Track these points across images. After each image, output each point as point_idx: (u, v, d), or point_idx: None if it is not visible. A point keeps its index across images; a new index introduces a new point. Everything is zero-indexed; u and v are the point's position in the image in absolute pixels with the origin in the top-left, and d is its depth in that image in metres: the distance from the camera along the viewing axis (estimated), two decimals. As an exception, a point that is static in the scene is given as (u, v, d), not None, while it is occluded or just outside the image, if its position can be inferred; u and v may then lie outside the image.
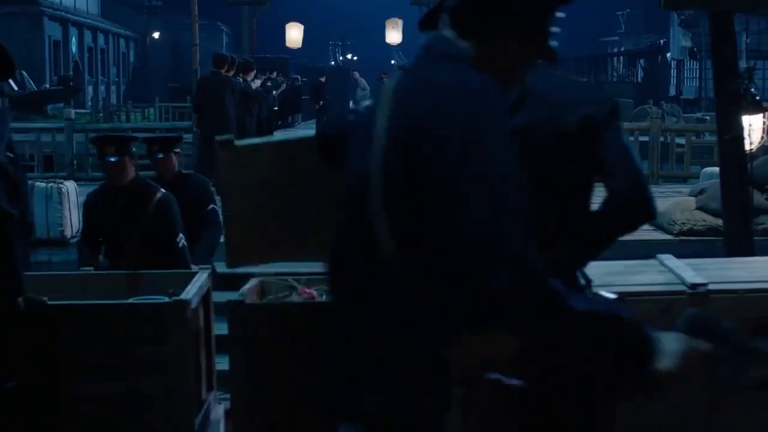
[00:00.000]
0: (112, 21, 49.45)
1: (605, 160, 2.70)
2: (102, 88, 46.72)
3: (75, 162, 14.77)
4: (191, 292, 3.53)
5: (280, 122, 27.68)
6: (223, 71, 13.18)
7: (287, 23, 32.25)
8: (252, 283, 3.77)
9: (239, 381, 3.42)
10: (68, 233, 9.61)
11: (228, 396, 4.16)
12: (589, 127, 2.67)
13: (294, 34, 31.28)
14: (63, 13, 41.37)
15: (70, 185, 9.88)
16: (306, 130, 27.83)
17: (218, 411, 3.96)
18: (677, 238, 9.74)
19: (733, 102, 6.32)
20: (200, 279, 3.76)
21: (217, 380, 4.07)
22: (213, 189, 6.97)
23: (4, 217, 2.92)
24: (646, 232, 9.84)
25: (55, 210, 9.52)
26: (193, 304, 3.49)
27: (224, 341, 3.97)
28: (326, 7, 68.47)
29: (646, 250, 9.48)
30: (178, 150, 6.58)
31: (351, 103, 30.36)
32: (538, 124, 2.62)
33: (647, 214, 2.76)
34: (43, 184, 9.65)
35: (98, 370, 3.37)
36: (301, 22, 32.39)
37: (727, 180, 6.89)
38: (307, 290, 3.78)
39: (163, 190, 5.54)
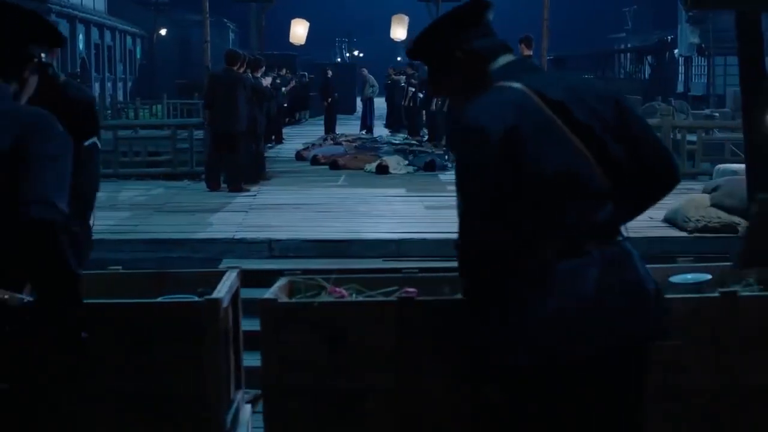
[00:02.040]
0: (118, 18, 49.45)
1: (634, 131, 2.94)
2: (109, 84, 46.75)
3: (86, 159, 14.77)
4: (223, 290, 3.53)
5: (287, 119, 27.71)
6: (235, 68, 13.18)
7: (292, 19, 32.18)
8: (281, 282, 3.77)
9: (271, 381, 3.42)
10: (83, 230, 9.60)
11: (252, 391, 4.19)
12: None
13: (299, 31, 31.18)
14: (70, 10, 41.37)
15: (84, 182, 9.86)
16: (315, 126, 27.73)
17: (246, 410, 3.96)
18: (692, 236, 9.72)
19: (760, 101, 6.31)
20: (230, 277, 3.76)
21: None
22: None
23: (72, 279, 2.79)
24: (660, 230, 9.82)
25: (70, 207, 9.49)
26: (225, 303, 3.49)
27: (248, 337, 3.99)
28: (333, 3, 68.48)
29: (661, 248, 9.54)
30: None
31: (359, 100, 30.40)
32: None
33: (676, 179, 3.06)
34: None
35: (130, 369, 3.36)
36: (307, 19, 32.29)
37: (754, 180, 6.87)
38: (337, 289, 3.77)
39: None
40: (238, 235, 9.83)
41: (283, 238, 9.67)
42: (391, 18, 31.38)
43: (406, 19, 31.00)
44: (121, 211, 11.62)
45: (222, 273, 3.90)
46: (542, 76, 2.93)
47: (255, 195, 13.06)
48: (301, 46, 32.57)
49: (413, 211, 11.65)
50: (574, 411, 2.84)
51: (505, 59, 2.96)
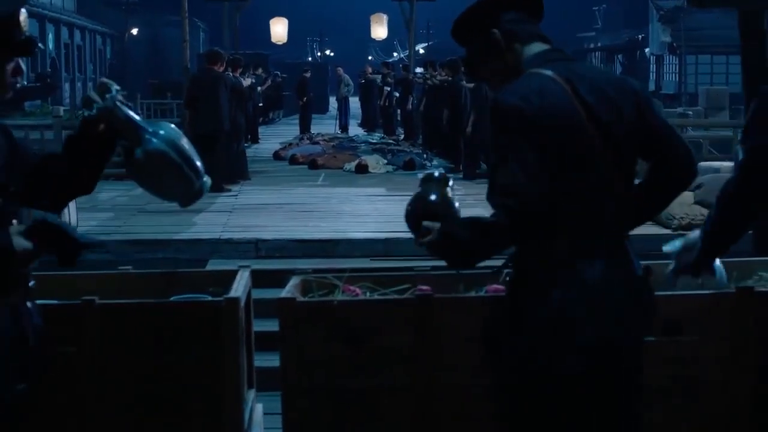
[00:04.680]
0: (88, 17, 49.10)
1: (652, 126, 2.97)
2: (79, 84, 46.40)
3: (64, 159, 14.63)
4: (239, 290, 3.51)
5: (261, 119, 27.62)
6: (216, 67, 13.10)
7: (271, 18, 32.05)
8: (294, 281, 3.76)
9: (290, 380, 3.41)
10: (67, 231, 9.51)
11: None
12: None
13: (279, 30, 31.11)
14: (39, 10, 41.01)
15: (68, 183, 9.76)
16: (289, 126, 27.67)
17: (258, 409, 3.95)
18: (676, 233, 9.78)
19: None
20: (243, 277, 3.75)
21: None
22: None
23: None
24: (644, 227, 9.85)
25: (54, 208, 9.41)
26: (242, 302, 3.48)
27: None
28: (304, 3, 68.31)
29: (645, 245, 9.59)
30: None
31: (335, 99, 30.35)
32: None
33: (694, 173, 3.09)
34: (41, 182, 9.52)
35: (149, 369, 3.35)
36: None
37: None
38: (351, 287, 3.77)
39: None
40: (224, 236, 9.79)
41: (270, 238, 9.65)
42: (371, 18, 31.30)
43: (385, 17, 30.93)
44: (103, 212, 11.55)
45: (231, 273, 3.89)
46: (574, 68, 2.91)
47: (237, 195, 13.01)
48: (281, 44, 32.45)
49: (397, 210, 11.52)
50: (581, 404, 2.86)
51: (538, 47, 2.96)
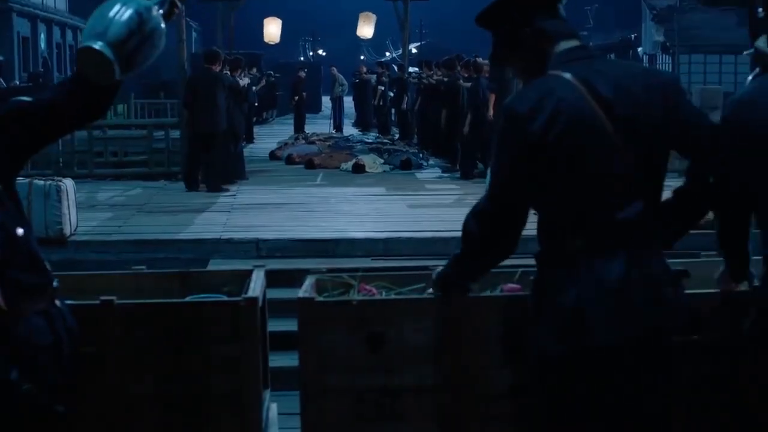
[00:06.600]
0: (80, 17, 48.97)
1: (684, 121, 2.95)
2: (71, 84, 46.27)
3: (61, 160, 14.60)
4: (257, 290, 3.51)
5: (255, 119, 27.58)
6: (213, 67, 13.10)
7: (265, 18, 31.97)
8: (310, 280, 3.75)
9: (310, 380, 3.40)
10: (67, 231, 9.50)
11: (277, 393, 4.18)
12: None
13: (272, 29, 31.01)
14: (32, 9, 40.95)
15: (68, 183, 9.75)
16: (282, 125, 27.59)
17: (273, 409, 3.95)
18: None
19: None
20: (259, 277, 3.74)
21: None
22: None
23: None
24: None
25: (54, 208, 9.37)
26: (260, 302, 3.48)
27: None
28: (297, 3, 68.26)
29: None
30: None
31: (329, 98, 30.30)
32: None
33: None
34: (42, 182, 9.50)
35: (168, 369, 3.35)
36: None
37: None
38: (366, 287, 3.77)
39: None
40: (225, 236, 9.78)
41: (270, 238, 9.65)
42: (359, 15, 31.17)
43: (373, 17, 30.79)
44: (102, 212, 11.53)
45: (244, 272, 3.90)
46: (596, 66, 2.90)
47: (235, 195, 13.00)
48: (273, 44, 32.38)
49: (396, 209, 11.65)
50: (599, 400, 2.87)
51: (567, 44, 2.95)
